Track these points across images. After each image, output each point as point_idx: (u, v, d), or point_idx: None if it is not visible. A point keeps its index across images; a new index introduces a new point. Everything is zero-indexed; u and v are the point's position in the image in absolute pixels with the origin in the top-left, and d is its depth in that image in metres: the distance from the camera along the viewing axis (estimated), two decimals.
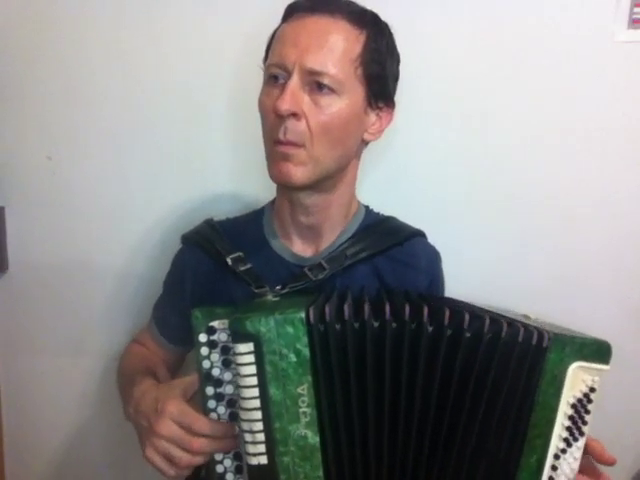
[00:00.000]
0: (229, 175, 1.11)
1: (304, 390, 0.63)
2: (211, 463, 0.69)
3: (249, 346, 0.63)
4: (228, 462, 0.69)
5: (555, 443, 0.68)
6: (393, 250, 0.86)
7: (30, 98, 1.11)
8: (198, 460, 0.66)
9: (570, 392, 0.68)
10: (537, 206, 1.09)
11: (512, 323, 0.66)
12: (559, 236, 1.10)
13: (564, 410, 0.68)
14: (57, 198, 1.13)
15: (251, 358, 0.63)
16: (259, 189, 1.07)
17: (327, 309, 0.64)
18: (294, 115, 0.71)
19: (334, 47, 0.72)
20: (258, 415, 0.63)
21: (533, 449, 0.67)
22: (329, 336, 0.64)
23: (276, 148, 0.74)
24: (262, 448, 0.63)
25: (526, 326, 0.66)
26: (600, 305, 1.12)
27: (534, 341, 0.65)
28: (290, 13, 0.76)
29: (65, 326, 1.17)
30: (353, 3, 0.76)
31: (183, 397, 0.67)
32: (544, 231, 1.10)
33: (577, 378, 0.68)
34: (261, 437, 0.63)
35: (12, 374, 1.19)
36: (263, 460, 0.63)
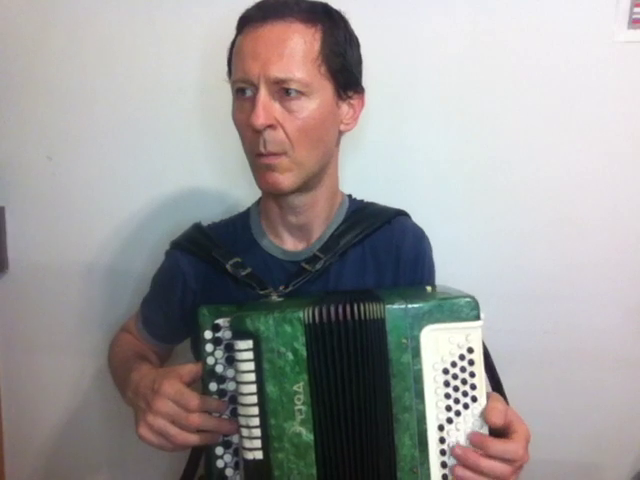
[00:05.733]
0: (232, 174, 1.11)
1: (300, 388, 0.64)
2: (211, 458, 0.70)
3: (248, 343, 0.64)
4: (228, 457, 0.70)
5: (434, 414, 0.66)
6: (383, 229, 0.88)
7: (30, 98, 1.11)
8: (194, 439, 0.67)
9: (436, 357, 0.66)
10: (537, 206, 1.10)
11: (354, 303, 0.66)
12: (559, 237, 1.10)
13: (433, 376, 0.66)
14: (57, 198, 1.13)
15: (250, 355, 0.64)
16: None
17: (323, 310, 0.66)
18: (270, 126, 0.72)
19: (294, 52, 0.72)
20: (255, 411, 0.64)
21: (404, 425, 0.66)
22: (324, 336, 0.65)
23: (259, 160, 0.75)
24: (258, 443, 0.64)
25: (364, 302, 0.66)
26: (600, 306, 1.12)
27: (358, 316, 0.66)
28: (243, 25, 0.76)
29: (64, 325, 1.17)
30: (302, 1, 0.76)
31: (179, 379, 0.69)
32: (544, 231, 1.10)
33: (441, 341, 0.66)
34: (257, 433, 0.64)
35: (12, 373, 1.19)
36: (259, 455, 0.64)
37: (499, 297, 1.11)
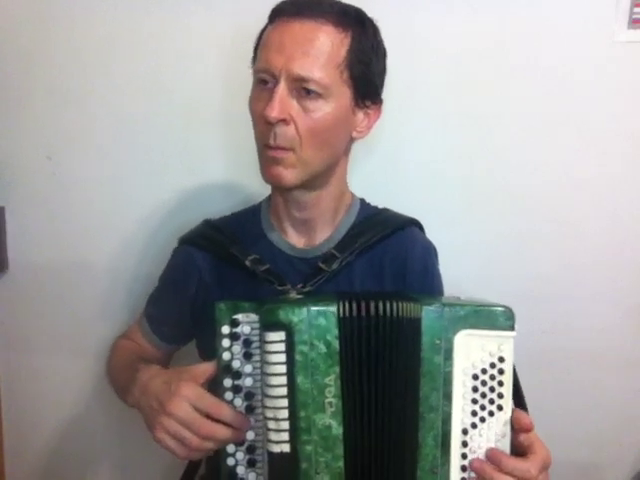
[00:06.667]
0: (231, 174, 1.11)
1: (331, 381, 0.65)
2: (221, 456, 0.69)
3: (280, 335, 0.64)
4: (240, 455, 0.68)
5: (460, 417, 0.66)
6: (395, 235, 0.88)
7: (30, 98, 1.11)
8: (208, 445, 0.66)
9: (467, 362, 0.66)
10: (536, 206, 1.09)
11: (393, 301, 0.67)
12: (558, 237, 1.10)
13: (462, 380, 0.66)
14: (57, 198, 1.13)
15: (281, 347, 0.64)
16: (257, 185, 1.07)
17: (362, 304, 0.67)
18: (283, 121, 0.73)
19: (319, 53, 0.72)
20: (284, 403, 0.64)
21: (429, 424, 0.66)
22: (359, 330, 0.66)
23: (267, 152, 0.76)
24: (285, 436, 0.64)
25: (397, 302, 0.67)
26: (600, 306, 1.12)
27: (396, 314, 0.67)
28: (275, 16, 0.77)
29: (64, 325, 1.17)
30: (337, 3, 0.77)
31: (195, 381, 0.67)
32: (542, 232, 1.10)
33: (474, 347, 0.66)
34: (285, 425, 0.64)
35: (12, 373, 1.20)
36: (286, 448, 0.64)
37: (498, 297, 1.10)
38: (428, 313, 0.67)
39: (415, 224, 0.93)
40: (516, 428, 0.67)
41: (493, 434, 0.67)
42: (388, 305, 0.67)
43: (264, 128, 0.74)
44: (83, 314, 1.17)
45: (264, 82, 0.75)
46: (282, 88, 0.72)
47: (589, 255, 1.10)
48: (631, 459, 1.18)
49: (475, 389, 0.67)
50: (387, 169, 1.10)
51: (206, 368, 0.69)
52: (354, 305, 0.66)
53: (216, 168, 1.12)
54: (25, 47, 1.09)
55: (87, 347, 1.17)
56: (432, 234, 0.94)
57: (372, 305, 0.67)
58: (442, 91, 1.07)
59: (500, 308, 0.68)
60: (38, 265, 1.15)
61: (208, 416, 0.65)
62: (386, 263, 0.86)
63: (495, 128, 1.07)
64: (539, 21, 1.03)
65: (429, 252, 0.91)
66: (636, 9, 1.02)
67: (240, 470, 0.69)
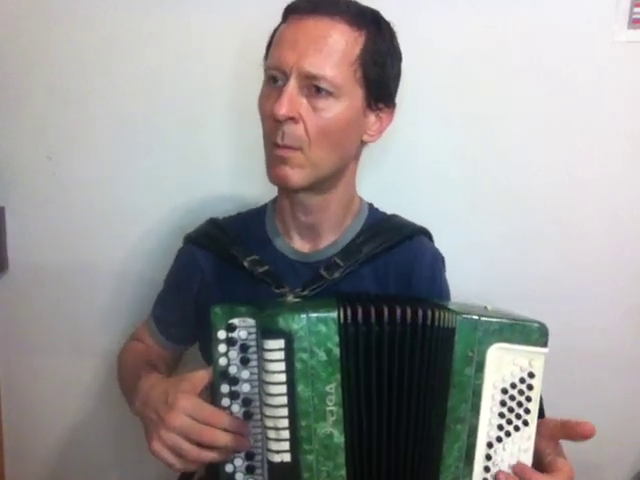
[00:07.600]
0: (230, 174, 1.11)
1: (332, 389, 0.63)
2: (219, 462, 0.68)
3: (279, 343, 0.62)
4: (239, 461, 0.67)
5: (486, 430, 0.66)
6: (403, 245, 0.86)
7: (29, 98, 1.10)
8: (206, 455, 0.65)
9: (497, 375, 0.66)
10: (537, 207, 1.09)
11: (421, 309, 0.66)
12: (559, 237, 1.10)
13: (491, 394, 0.66)
14: (57, 198, 1.13)
15: (281, 355, 0.63)
16: (261, 188, 1.06)
17: (358, 310, 0.65)
18: (291, 119, 0.71)
19: (332, 50, 0.71)
20: (284, 412, 0.63)
21: (455, 435, 0.65)
22: (360, 336, 0.65)
23: (274, 151, 0.74)
24: (286, 445, 0.63)
25: (432, 309, 0.66)
26: (600, 306, 1.12)
27: (429, 322, 0.66)
28: (289, 14, 0.76)
29: (65, 326, 1.17)
30: (353, 3, 0.76)
31: (193, 392, 0.67)
32: (544, 232, 1.10)
33: (505, 361, 0.66)
34: (285, 434, 0.63)
35: (12, 374, 1.19)
36: (286, 458, 0.63)
37: (499, 298, 1.10)
38: (463, 323, 0.65)
39: (424, 233, 0.91)
40: (576, 434, 0.67)
41: (517, 448, 0.66)
42: (409, 311, 0.65)
43: (273, 126, 0.73)
44: (83, 314, 1.17)
45: (274, 80, 0.73)
46: (292, 86, 0.71)
47: (591, 255, 1.10)
48: (631, 459, 1.18)
49: (503, 403, 0.66)
50: (388, 170, 1.09)
51: (203, 375, 0.68)
52: (359, 310, 0.65)
53: (217, 168, 1.11)
54: (25, 47, 1.09)
55: (87, 347, 1.17)
56: (434, 235, 0.94)
57: (386, 311, 0.65)
58: (444, 92, 1.06)
59: (536, 324, 0.67)
60: (38, 265, 1.15)
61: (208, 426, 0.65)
62: (391, 270, 0.85)
63: (497, 129, 1.07)
64: (540, 22, 1.03)
65: (437, 261, 0.90)
66: (636, 9, 1.02)
67: (239, 477, 0.68)
